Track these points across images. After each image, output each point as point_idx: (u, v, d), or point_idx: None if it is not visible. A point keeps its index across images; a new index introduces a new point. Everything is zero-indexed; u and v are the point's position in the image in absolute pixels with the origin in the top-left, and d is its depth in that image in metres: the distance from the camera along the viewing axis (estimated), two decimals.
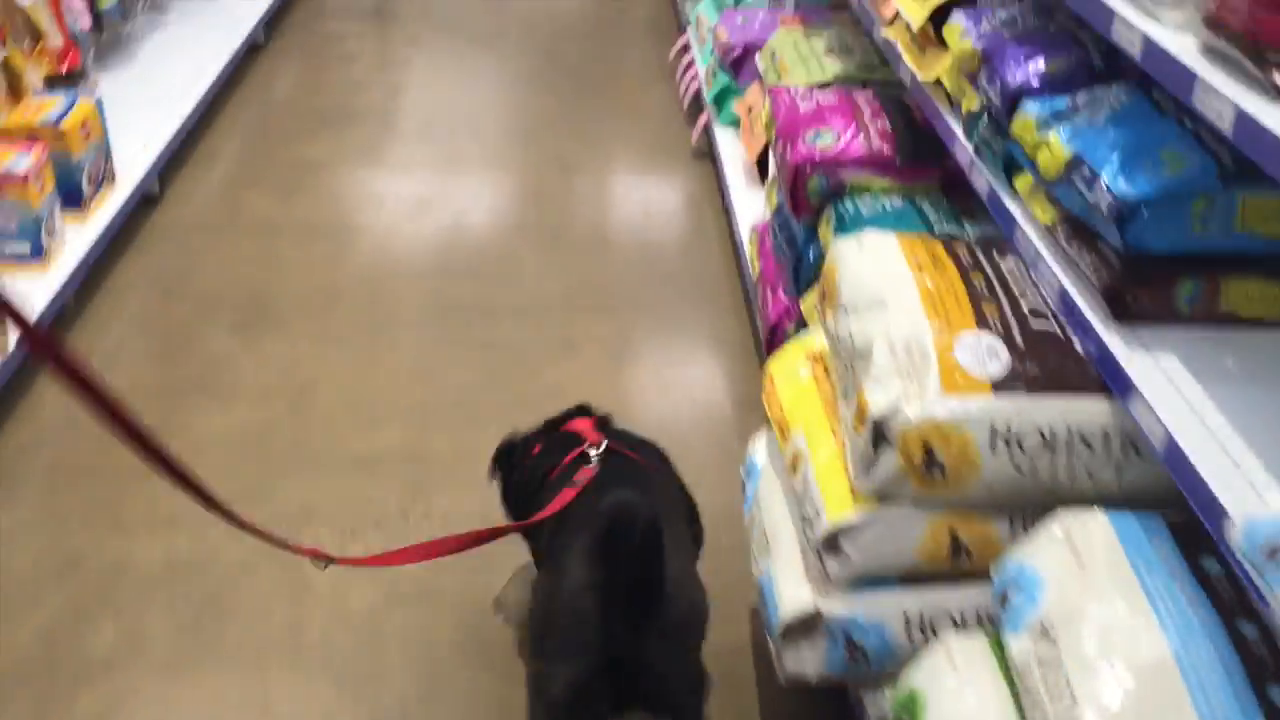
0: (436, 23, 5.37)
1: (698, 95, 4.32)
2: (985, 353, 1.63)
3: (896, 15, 2.55)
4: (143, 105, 3.89)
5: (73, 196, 3.09)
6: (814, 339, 2.08)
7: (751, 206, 3.43)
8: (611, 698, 1.60)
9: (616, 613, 1.56)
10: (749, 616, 2.17)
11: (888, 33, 2.56)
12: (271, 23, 5.05)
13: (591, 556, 1.58)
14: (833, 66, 3.43)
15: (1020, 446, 1.58)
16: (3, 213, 2.82)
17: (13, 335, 2.49)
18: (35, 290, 2.84)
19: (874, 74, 3.40)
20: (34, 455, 2.52)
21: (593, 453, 1.87)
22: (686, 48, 4.71)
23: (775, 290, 2.68)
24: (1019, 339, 1.65)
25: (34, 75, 3.36)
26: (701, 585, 1.72)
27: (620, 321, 3.16)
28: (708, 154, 4.12)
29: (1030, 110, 1.78)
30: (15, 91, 3.29)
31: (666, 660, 1.62)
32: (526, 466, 2.00)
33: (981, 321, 1.67)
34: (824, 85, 3.38)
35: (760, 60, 3.75)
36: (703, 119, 4.09)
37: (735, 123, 3.92)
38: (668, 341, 3.10)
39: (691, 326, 3.16)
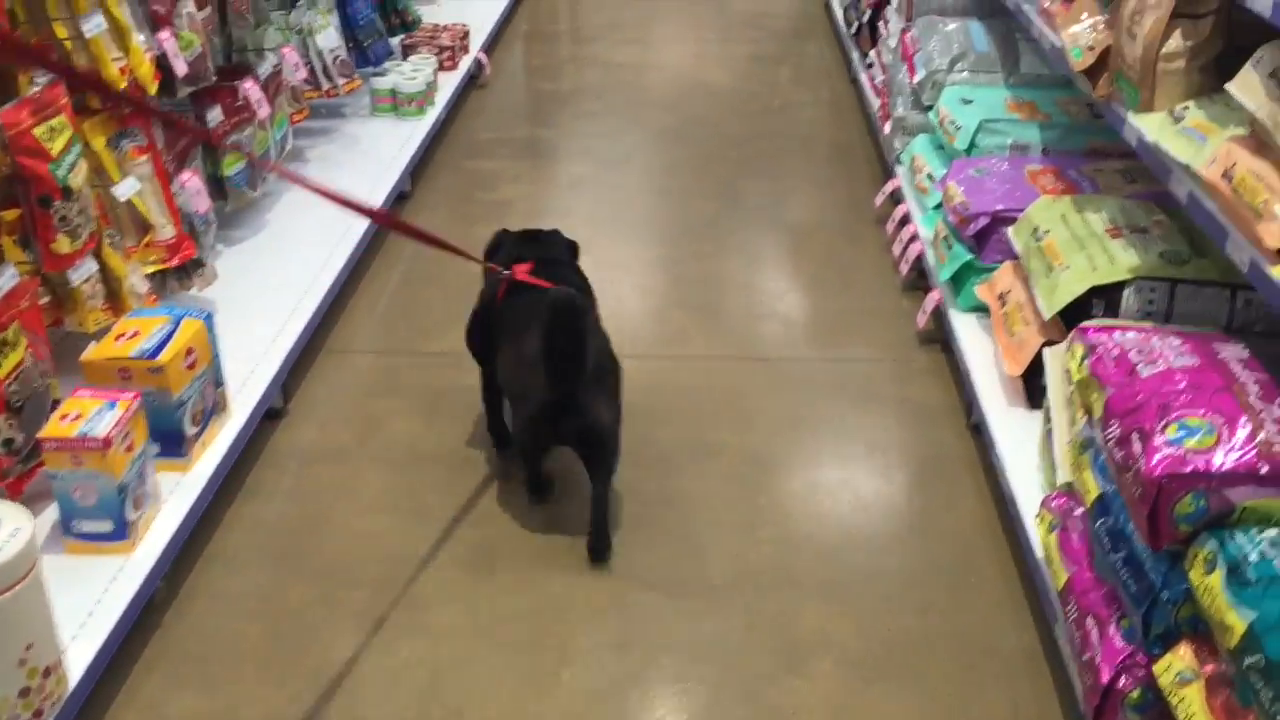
0: (599, 159, 4.74)
1: (920, 258, 3.56)
2: None
3: None
4: (270, 290, 3.32)
5: (172, 443, 2.50)
6: None
7: (1019, 440, 2.63)
8: (556, 429, 2.43)
9: (558, 368, 2.33)
10: None
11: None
12: (420, 166, 4.49)
13: (539, 335, 2.31)
14: (1126, 257, 2.64)
15: None
16: (79, 485, 2.23)
17: None
18: (117, 579, 2.24)
19: (1185, 269, 2.60)
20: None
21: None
22: (898, 196, 3.96)
23: (1104, 627, 1.88)
24: None
25: (137, 278, 2.80)
26: (613, 354, 2.58)
27: (859, 615, 2.39)
28: (939, 340, 3.34)
29: None
30: (114, 302, 2.74)
31: (592, 398, 2.41)
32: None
33: None
34: (1119, 284, 2.60)
35: (1016, 237, 2.98)
36: (932, 298, 3.32)
37: (979, 307, 3.14)
38: (915, 658, 2.31)
39: (948, 638, 2.37)
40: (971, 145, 3.51)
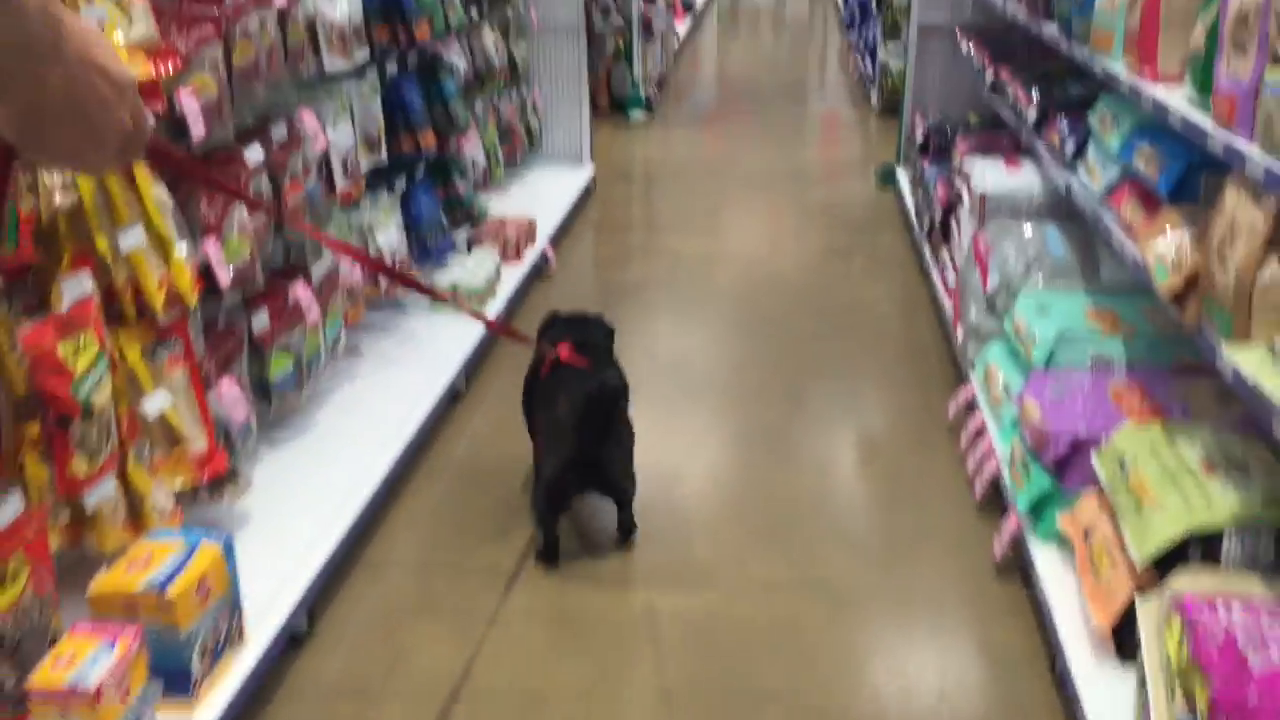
0: (662, 356, 4.61)
1: (996, 477, 3.32)
2: None
3: None
4: (309, 497, 3.19)
5: (177, 681, 2.32)
6: None
7: (1111, 698, 2.35)
8: (579, 482, 3.11)
9: (587, 434, 3.00)
10: None
11: None
12: (479, 362, 4.40)
13: (577, 405, 2.98)
14: (1225, 498, 2.38)
15: None
16: None
17: None
18: None
19: None
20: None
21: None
22: (973, 404, 3.75)
23: None
24: None
25: (162, 495, 2.68)
26: (630, 425, 3.20)
27: None
28: (1018, 569, 3.08)
29: None
30: (137, 520, 2.61)
31: (614, 461, 3.12)
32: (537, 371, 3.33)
33: None
34: (1217, 532, 2.34)
35: (1101, 466, 2.74)
36: (1009, 526, 3.07)
37: (1061, 538, 2.88)
38: None
39: None
40: (1050, 359, 3.30)
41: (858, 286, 5.41)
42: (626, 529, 3.24)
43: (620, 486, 3.17)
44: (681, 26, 12.99)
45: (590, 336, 3.37)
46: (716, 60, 12.96)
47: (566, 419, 3.01)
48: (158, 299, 2.63)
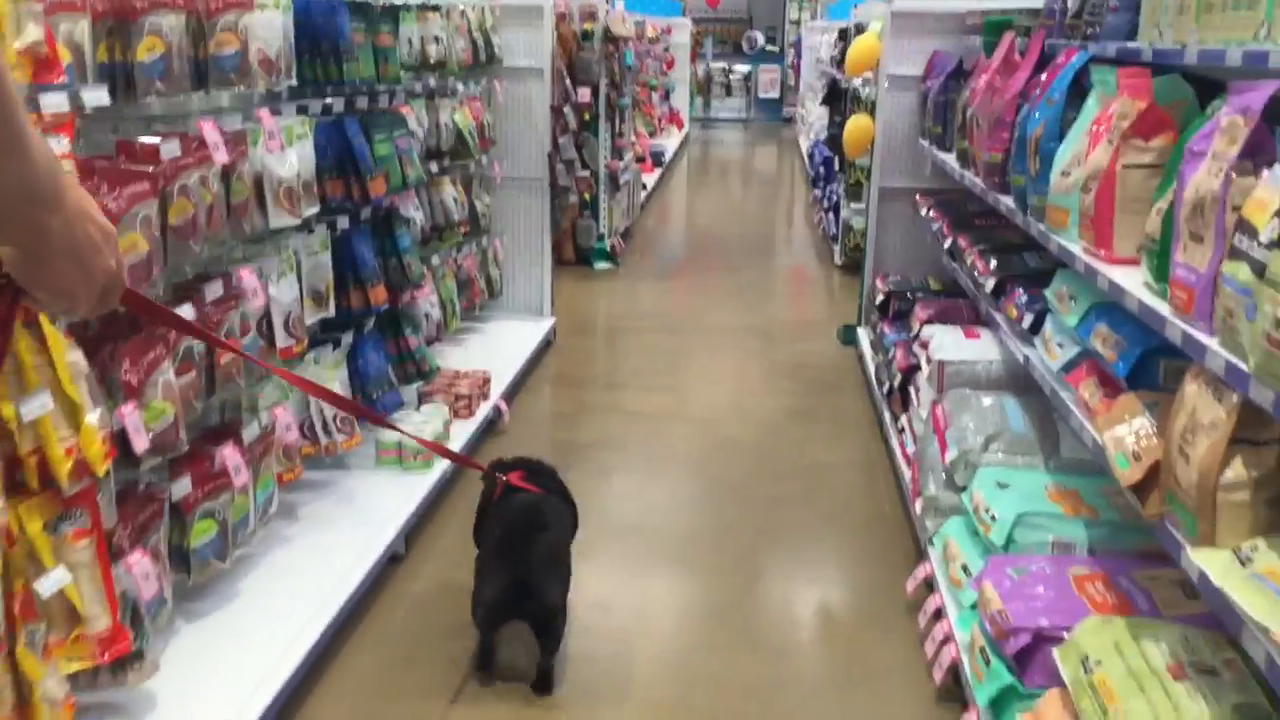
0: (609, 524, 4.42)
1: (956, 663, 3.15)
2: None
3: None
4: (220, 681, 2.97)
5: None
6: None
7: None
8: (513, 607, 3.15)
9: (517, 556, 3.13)
10: None
11: None
12: (421, 523, 4.22)
13: (504, 528, 3.22)
14: (1194, 708, 2.23)
15: None
16: None
17: None
18: None
19: None
20: None
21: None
22: (932, 581, 3.59)
23: None
24: None
25: (54, 682, 2.46)
26: (566, 549, 3.36)
27: None
28: None
29: None
30: (24, 711, 2.39)
31: (542, 585, 3.14)
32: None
33: None
34: None
35: (1063, 664, 2.58)
36: None
37: None
38: None
39: None
40: (1009, 540, 3.17)
41: (818, 450, 5.29)
42: (545, 679, 3.21)
43: (546, 613, 3.17)
44: (650, 177, 13.18)
45: (535, 477, 3.50)
46: (684, 212, 13.11)
47: (499, 532, 3.23)
48: (64, 468, 2.46)
